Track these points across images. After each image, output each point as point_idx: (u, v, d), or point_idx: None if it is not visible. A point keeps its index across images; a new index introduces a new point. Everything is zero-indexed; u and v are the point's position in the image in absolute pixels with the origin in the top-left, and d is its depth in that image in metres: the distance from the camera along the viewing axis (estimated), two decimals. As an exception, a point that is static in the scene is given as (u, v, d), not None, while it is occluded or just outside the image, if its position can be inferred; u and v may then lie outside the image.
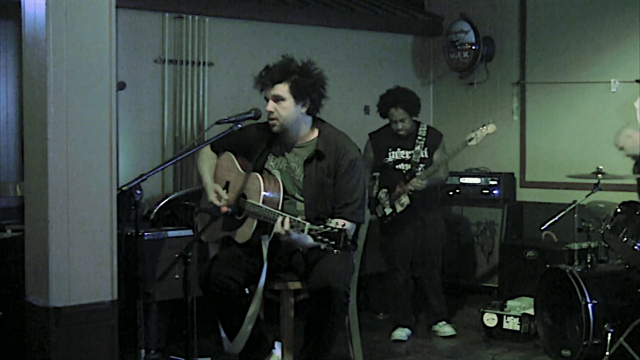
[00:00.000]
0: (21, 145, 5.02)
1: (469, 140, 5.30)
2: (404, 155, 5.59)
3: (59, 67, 4.23)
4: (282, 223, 3.71)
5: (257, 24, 6.47)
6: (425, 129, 5.64)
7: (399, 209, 5.52)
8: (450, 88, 7.43)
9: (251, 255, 3.97)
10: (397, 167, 5.60)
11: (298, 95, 3.93)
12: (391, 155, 5.61)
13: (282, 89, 3.92)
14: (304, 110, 3.98)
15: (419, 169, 5.50)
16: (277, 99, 3.93)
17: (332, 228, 3.51)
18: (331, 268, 3.80)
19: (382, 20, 7.15)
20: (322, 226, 3.55)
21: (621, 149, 5.44)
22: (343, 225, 3.61)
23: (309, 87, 3.94)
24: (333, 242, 3.49)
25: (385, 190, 5.59)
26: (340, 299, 3.77)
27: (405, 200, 5.49)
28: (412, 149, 5.58)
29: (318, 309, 3.80)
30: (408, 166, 5.57)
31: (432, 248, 5.68)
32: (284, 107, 3.93)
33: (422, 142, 5.57)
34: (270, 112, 3.95)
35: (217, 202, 4.00)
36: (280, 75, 3.93)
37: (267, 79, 3.97)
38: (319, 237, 3.53)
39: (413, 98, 5.59)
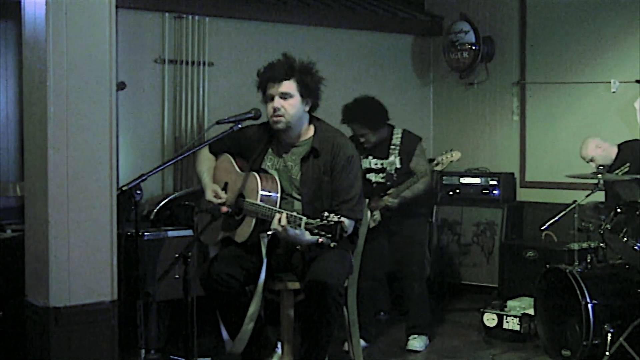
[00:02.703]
0: (21, 145, 5.03)
1: (436, 165, 5.06)
2: (376, 164, 5.28)
3: (59, 67, 4.23)
4: (279, 220, 3.70)
5: (257, 24, 6.48)
6: (399, 135, 5.27)
7: (371, 224, 5.07)
8: (450, 88, 7.42)
9: (251, 253, 3.96)
10: (366, 176, 5.24)
11: (304, 92, 3.91)
12: (363, 163, 5.21)
13: (290, 86, 3.89)
14: (307, 108, 3.97)
15: (388, 182, 5.21)
16: (285, 96, 3.88)
17: (329, 221, 3.49)
18: (326, 266, 3.80)
19: (382, 20, 7.16)
20: (318, 219, 3.53)
21: (591, 160, 5.38)
22: (339, 217, 3.55)
23: (314, 86, 3.94)
24: (330, 235, 3.47)
25: (367, 200, 5.39)
26: (333, 297, 3.75)
27: (377, 216, 5.18)
28: (385, 157, 5.25)
29: (311, 307, 3.79)
30: (379, 176, 5.28)
31: (407, 257, 5.30)
32: (292, 104, 3.89)
33: (396, 151, 5.25)
34: (276, 109, 3.89)
35: (214, 200, 3.99)
36: (286, 72, 3.88)
37: (272, 76, 3.90)
38: (316, 231, 3.51)
39: (371, 111, 5.19)
